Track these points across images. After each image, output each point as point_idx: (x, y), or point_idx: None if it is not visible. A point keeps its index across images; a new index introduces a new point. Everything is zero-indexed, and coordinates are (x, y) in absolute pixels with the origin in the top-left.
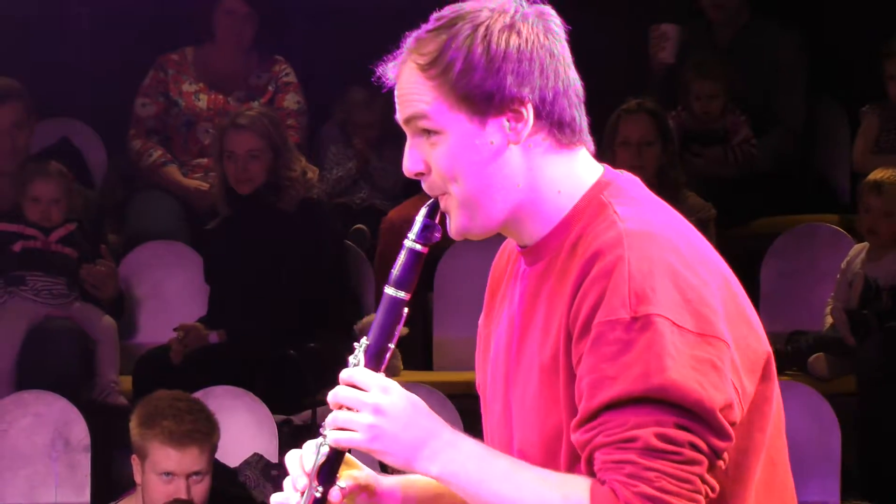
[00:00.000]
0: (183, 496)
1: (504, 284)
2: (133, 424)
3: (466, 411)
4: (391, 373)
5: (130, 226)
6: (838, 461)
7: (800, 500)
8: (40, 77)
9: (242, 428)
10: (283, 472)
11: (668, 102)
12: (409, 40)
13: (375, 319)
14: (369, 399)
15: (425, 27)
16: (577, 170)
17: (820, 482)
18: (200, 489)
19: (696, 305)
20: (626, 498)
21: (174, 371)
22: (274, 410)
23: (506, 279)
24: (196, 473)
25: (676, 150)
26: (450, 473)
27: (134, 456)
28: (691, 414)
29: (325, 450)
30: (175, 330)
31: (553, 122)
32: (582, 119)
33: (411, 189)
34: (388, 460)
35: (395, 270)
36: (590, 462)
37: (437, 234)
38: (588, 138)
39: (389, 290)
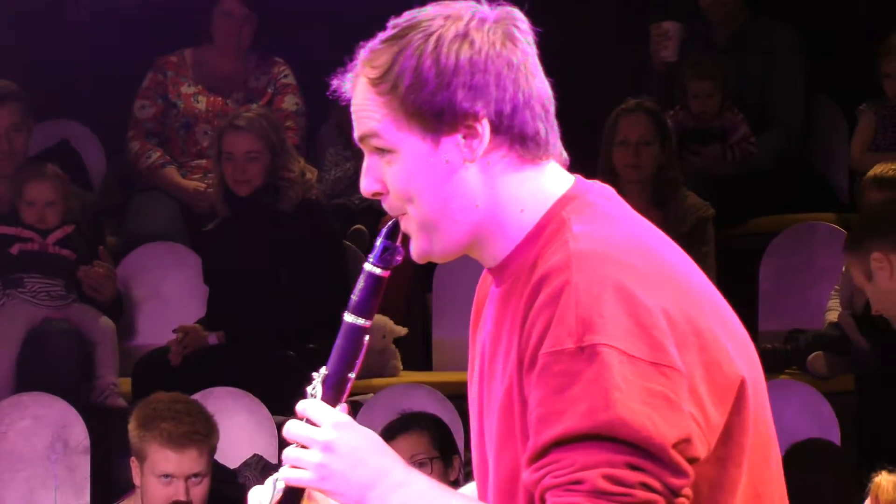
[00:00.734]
0: (182, 498)
1: (484, 305)
2: (132, 427)
3: (466, 412)
4: (390, 374)
5: (129, 227)
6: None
7: None
8: (39, 79)
9: (241, 429)
10: None
11: (667, 102)
12: (363, 51)
13: (334, 348)
14: (320, 436)
15: (380, 36)
16: (542, 186)
17: None
18: (199, 491)
19: (650, 331)
20: None
21: (173, 373)
22: (273, 412)
23: (486, 300)
24: (195, 475)
25: (675, 150)
26: None
27: (133, 458)
28: (643, 452)
29: (280, 485)
30: (174, 331)
31: (514, 137)
32: (549, 131)
33: None
34: (338, 500)
35: (354, 296)
36: (542, 502)
37: (399, 257)
38: (558, 150)
39: (349, 318)
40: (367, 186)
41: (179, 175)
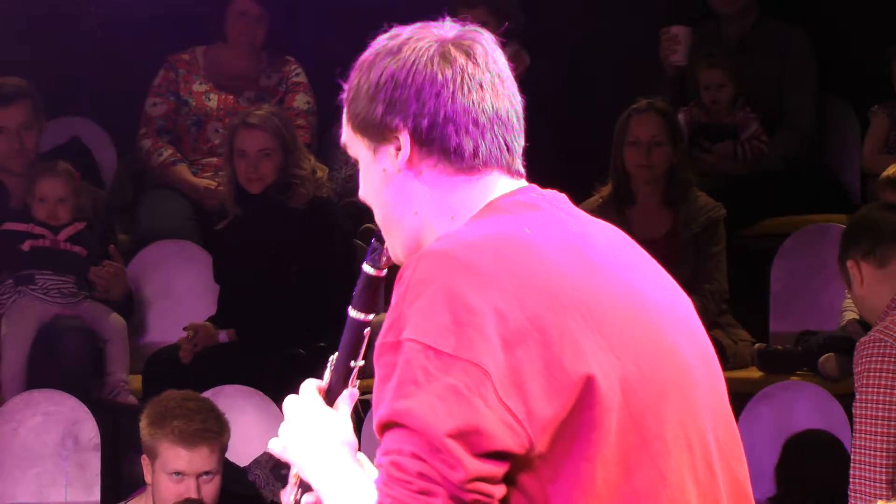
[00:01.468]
0: (193, 496)
1: None
2: (143, 424)
3: None
4: None
5: (140, 225)
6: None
7: None
8: (50, 76)
9: (252, 427)
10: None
11: (678, 104)
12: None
13: (342, 339)
14: (287, 413)
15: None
16: (474, 194)
17: None
18: (210, 489)
19: (465, 328)
20: None
21: (184, 370)
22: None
23: None
24: (206, 473)
25: (686, 150)
26: (315, 486)
27: (144, 456)
28: (425, 442)
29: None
30: (185, 329)
31: (437, 150)
32: (481, 143)
33: None
34: (299, 472)
35: (355, 293)
36: None
37: (384, 258)
38: (504, 161)
39: (351, 312)
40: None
41: (190, 173)
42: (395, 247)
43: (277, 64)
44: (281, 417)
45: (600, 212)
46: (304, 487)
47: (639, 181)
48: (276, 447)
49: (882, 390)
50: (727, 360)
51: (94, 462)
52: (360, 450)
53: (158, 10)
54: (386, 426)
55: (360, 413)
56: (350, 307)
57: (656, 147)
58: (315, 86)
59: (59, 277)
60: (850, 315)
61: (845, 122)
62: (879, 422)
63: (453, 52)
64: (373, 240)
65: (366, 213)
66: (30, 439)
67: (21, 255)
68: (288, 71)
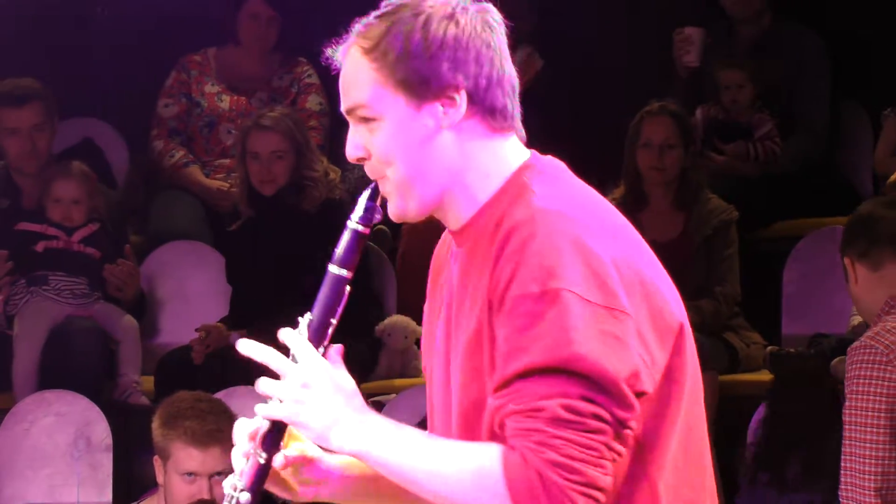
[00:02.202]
0: (206, 496)
1: (445, 271)
2: (155, 425)
3: None
4: (412, 374)
5: (152, 226)
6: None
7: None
8: (63, 77)
9: None
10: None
11: (691, 107)
12: (357, 26)
13: (319, 296)
14: (297, 372)
15: (373, 14)
16: (505, 154)
17: None
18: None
19: (604, 279)
20: (536, 465)
21: (196, 371)
22: None
23: (445, 266)
24: (219, 473)
25: (699, 152)
26: (365, 448)
27: (156, 457)
28: (596, 385)
29: (266, 420)
30: (197, 330)
31: (486, 109)
32: (514, 108)
33: None
34: (305, 434)
35: (338, 250)
36: (503, 427)
37: (378, 216)
38: (519, 126)
39: (332, 269)
40: (351, 152)
41: (203, 174)
42: (413, 200)
43: (289, 65)
44: None
45: None
46: (270, 447)
47: (651, 183)
48: (284, 411)
49: (871, 397)
50: (739, 362)
51: (106, 463)
52: None
53: (170, 12)
54: (542, 371)
55: None
56: (331, 263)
57: (669, 149)
58: (327, 87)
59: (72, 278)
60: (859, 319)
61: (858, 124)
62: (868, 429)
63: (491, 21)
64: (366, 198)
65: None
66: (42, 440)
67: (34, 256)
68: (300, 72)
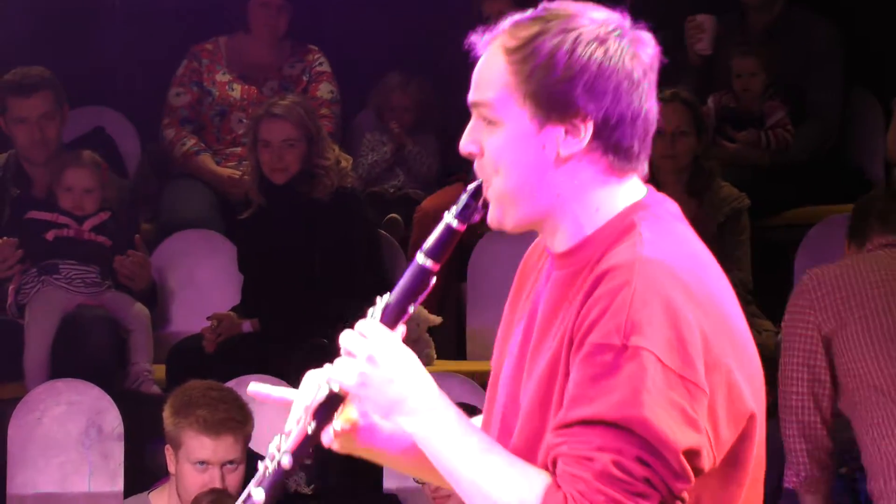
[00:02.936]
0: (217, 485)
1: (533, 279)
2: (167, 414)
3: None
4: (425, 363)
5: (164, 215)
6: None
7: None
8: (73, 66)
9: (276, 417)
10: (316, 461)
11: (703, 94)
12: (507, 21)
13: (401, 281)
14: (366, 347)
15: (527, 14)
16: (619, 194)
17: None
18: (235, 478)
19: (687, 348)
20: None
21: (207, 360)
22: None
23: (535, 274)
24: (231, 462)
25: (710, 140)
26: (423, 435)
27: (168, 446)
28: (654, 450)
29: (324, 390)
30: (208, 319)
31: (609, 146)
32: (642, 150)
33: (445, 177)
34: (369, 408)
35: (430, 240)
36: (554, 464)
37: (477, 216)
38: (643, 168)
39: (420, 258)
40: (464, 146)
41: (214, 162)
42: (511, 215)
43: (300, 53)
44: None
45: None
46: (322, 418)
47: (663, 171)
48: (349, 380)
49: (791, 317)
50: None
51: (118, 452)
52: None
53: (181, 1)
54: (604, 424)
55: None
56: (421, 252)
57: (681, 137)
58: (338, 75)
59: (83, 267)
60: None
61: (870, 112)
62: (795, 344)
63: (642, 55)
64: (468, 195)
65: (390, 203)
66: (53, 429)
67: (45, 245)
68: (311, 60)
